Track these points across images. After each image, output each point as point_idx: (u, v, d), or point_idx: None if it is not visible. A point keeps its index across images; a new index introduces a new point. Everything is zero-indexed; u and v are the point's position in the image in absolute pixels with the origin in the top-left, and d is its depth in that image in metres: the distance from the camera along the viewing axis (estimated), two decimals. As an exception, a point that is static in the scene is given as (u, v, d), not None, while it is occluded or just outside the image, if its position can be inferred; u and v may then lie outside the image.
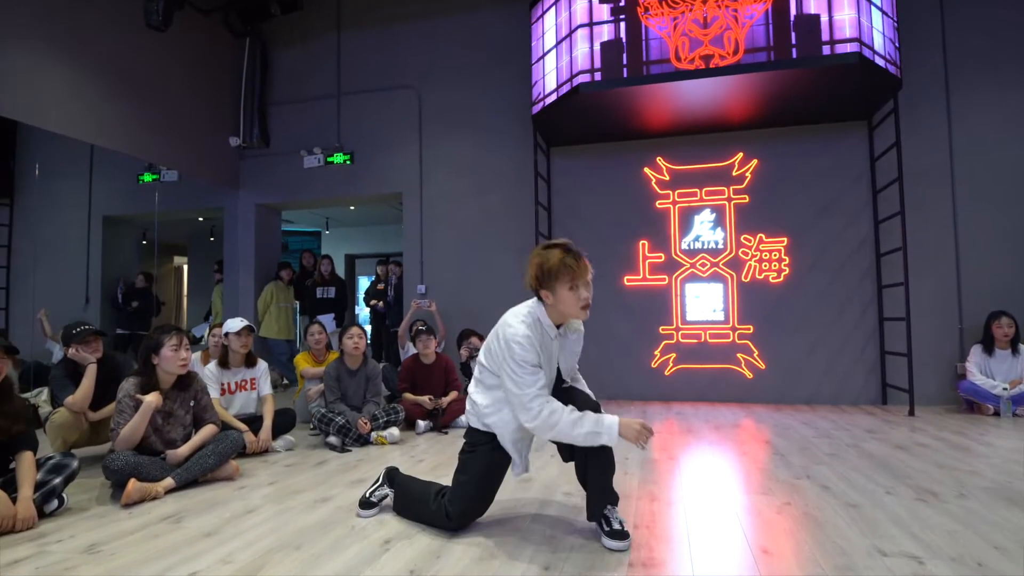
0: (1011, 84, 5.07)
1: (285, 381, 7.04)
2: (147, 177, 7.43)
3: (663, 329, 5.65)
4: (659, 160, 5.73)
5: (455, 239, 6.29)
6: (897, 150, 4.66)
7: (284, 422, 3.80)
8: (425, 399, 4.27)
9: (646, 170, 5.77)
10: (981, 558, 1.85)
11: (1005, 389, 4.44)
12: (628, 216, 5.79)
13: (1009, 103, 5.06)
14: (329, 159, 6.73)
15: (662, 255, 5.68)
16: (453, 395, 4.43)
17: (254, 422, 3.71)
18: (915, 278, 4.89)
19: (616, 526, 2.02)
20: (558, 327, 2.18)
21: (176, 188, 7.41)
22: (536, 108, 5.33)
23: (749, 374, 5.43)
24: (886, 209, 5.05)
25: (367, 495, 2.43)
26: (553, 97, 5.06)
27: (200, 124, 6.55)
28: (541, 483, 2.80)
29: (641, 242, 5.74)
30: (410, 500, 2.33)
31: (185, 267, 10.59)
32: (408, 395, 4.36)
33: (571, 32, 4.89)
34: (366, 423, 3.76)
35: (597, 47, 4.77)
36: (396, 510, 2.38)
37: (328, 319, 6.88)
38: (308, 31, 6.97)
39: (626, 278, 5.77)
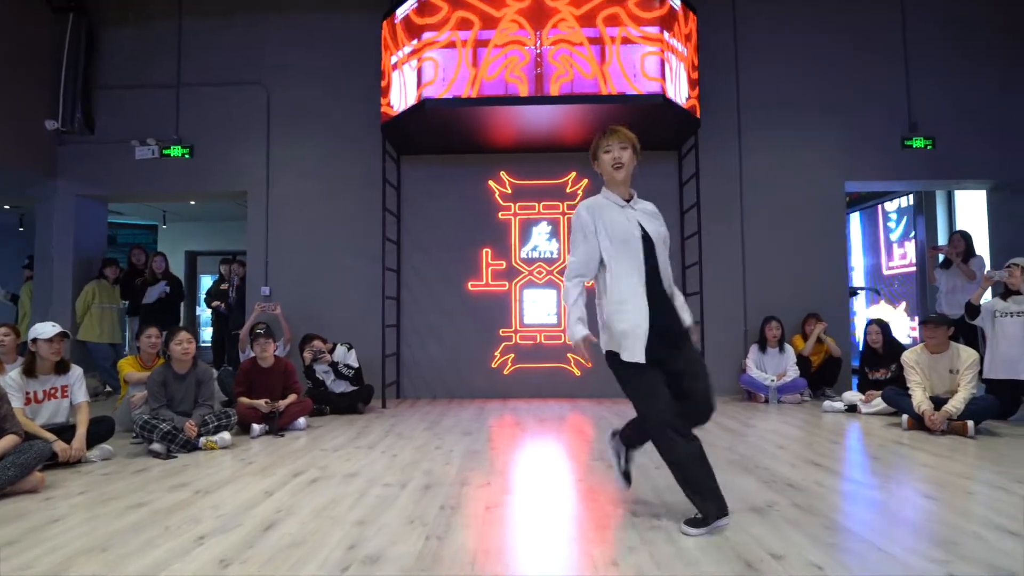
0: (783, 126, 6.15)
1: (108, 388, 6.53)
2: (-65, 159, 6.49)
3: (503, 331, 6.08)
4: (502, 174, 6.16)
5: (302, 241, 6.25)
6: (696, 179, 5.47)
7: (101, 431, 3.63)
8: (261, 402, 4.27)
9: (490, 183, 6.17)
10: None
11: (772, 381, 5.39)
12: (473, 225, 6.15)
13: (782, 143, 6.14)
14: (165, 151, 6.36)
15: (503, 262, 6.12)
16: (292, 398, 4.46)
17: (66, 432, 3.49)
18: (711, 288, 5.75)
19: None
20: (628, 201, 2.35)
21: (-26, 173, 6.55)
22: (385, 117, 5.50)
23: (577, 372, 6.02)
24: (690, 228, 5.88)
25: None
26: (400, 107, 5.26)
27: (8, 104, 5.89)
28: (366, 477, 3.00)
29: (485, 250, 6.13)
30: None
31: (-22, 261, 9.29)
32: (243, 399, 4.33)
33: (416, 50, 5.13)
34: (193, 426, 3.71)
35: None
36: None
37: (157, 289, 6.55)
38: (144, 12, 6.54)
39: (470, 283, 6.13)
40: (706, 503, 2.14)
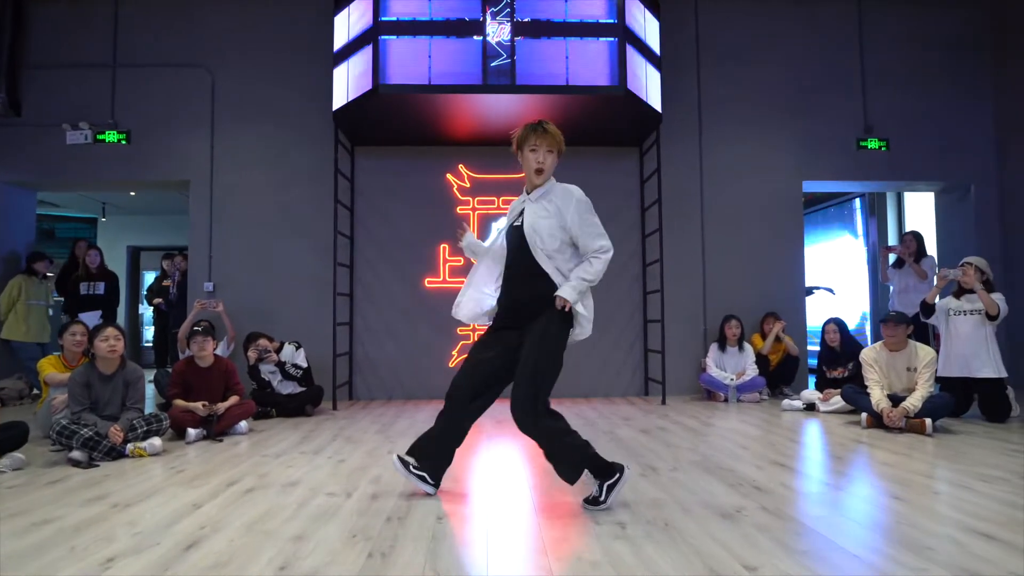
0: (743, 125, 6.14)
1: (36, 391, 6.05)
2: None
3: (460, 330, 5.88)
4: (461, 167, 5.96)
5: (248, 235, 5.92)
6: (657, 175, 5.39)
7: (11, 437, 3.27)
8: (198, 405, 3.96)
9: (448, 176, 5.97)
10: (669, 519, 2.23)
11: (732, 380, 5.35)
12: (430, 219, 5.94)
13: (742, 141, 6.13)
14: (100, 136, 5.94)
15: (462, 259, 5.91)
16: (233, 400, 4.17)
17: (-29, 440, 3.15)
18: (671, 286, 5.68)
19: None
20: (529, 193, 2.50)
21: None
22: (337, 105, 5.23)
23: (538, 372, 5.85)
24: (651, 225, 5.80)
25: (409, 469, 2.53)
26: (353, 95, 5.01)
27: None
28: (308, 486, 2.76)
29: (442, 245, 5.92)
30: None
31: None
32: (179, 401, 4.01)
33: (372, 34, 4.89)
34: (119, 431, 3.39)
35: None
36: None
37: (93, 317, 6.06)
38: (77, -14, 6.09)
39: (427, 280, 5.91)
40: (423, 467, 2.54)
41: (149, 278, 10.91)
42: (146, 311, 10.70)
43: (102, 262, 6.45)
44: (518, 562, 1.88)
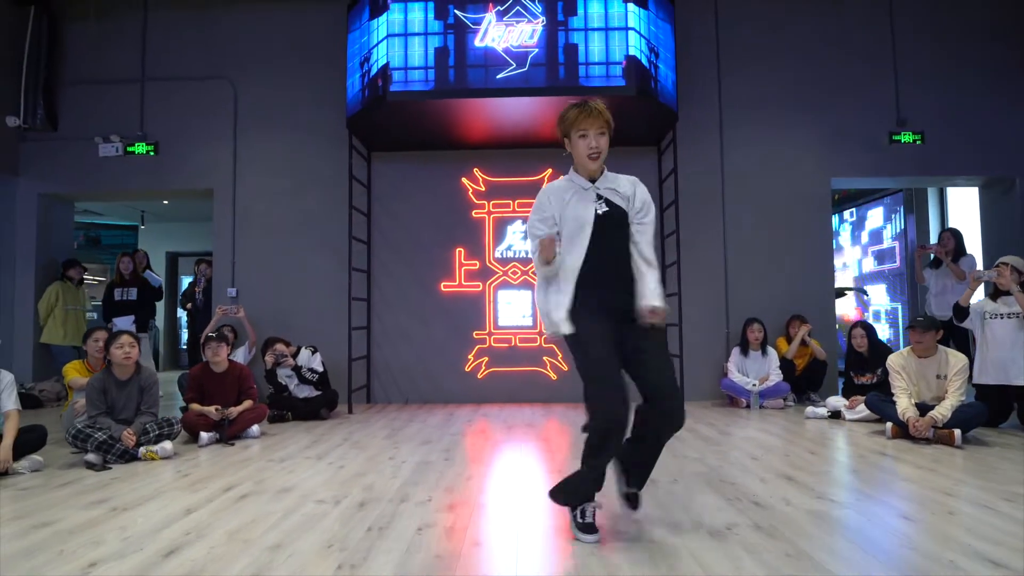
0: (766, 122, 5.94)
1: (71, 393, 6.30)
2: None
3: (477, 334, 5.87)
4: (476, 171, 5.95)
5: (269, 241, 6.04)
6: (674, 175, 5.26)
7: (31, 440, 3.39)
8: (211, 409, 4.05)
9: (464, 180, 5.96)
10: (654, 536, 2.14)
11: (754, 385, 5.17)
12: (446, 223, 5.94)
13: (766, 142, 5.91)
14: (129, 148, 6.15)
15: (477, 262, 5.90)
16: (247, 404, 4.24)
17: (-6, 442, 3.27)
18: (692, 288, 5.54)
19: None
20: (593, 182, 2.21)
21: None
22: (350, 111, 5.28)
23: (553, 376, 5.80)
24: (669, 226, 5.66)
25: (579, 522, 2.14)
26: (364, 102, 5.05)
27: (-34, 99, 5.69)
28: (300, 493, 2.78)
29: (458, 249, 5.92)
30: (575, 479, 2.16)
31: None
32: (194, 405, 4.11)
33: (381, 40, 4.92)
34: (131, 435, 3.48)
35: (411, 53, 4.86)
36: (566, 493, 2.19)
37: (126, 322, 6.27)
38: (109, 5, 6.32)
39: (443, 284, 5.92)
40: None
41: (186, 283, 11.28)
42: (183, 315, 11.06)
43: (135, 268, 6.67)
44: (488, 578, 1.84)
